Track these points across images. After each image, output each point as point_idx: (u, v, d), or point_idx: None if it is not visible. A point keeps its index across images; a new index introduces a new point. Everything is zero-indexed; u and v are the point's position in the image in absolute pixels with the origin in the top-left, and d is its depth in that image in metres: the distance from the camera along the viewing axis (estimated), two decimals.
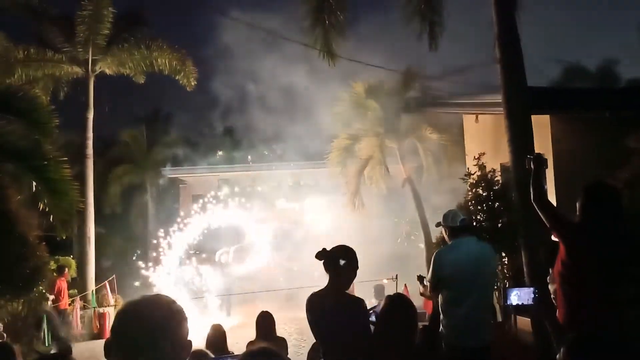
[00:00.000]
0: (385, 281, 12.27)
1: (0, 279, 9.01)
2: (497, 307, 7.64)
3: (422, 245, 12.52)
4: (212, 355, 3.71)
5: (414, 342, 3.22)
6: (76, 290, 12.77)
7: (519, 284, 7.33)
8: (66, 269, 12.69)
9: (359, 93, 13.71)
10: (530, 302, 3.24)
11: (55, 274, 11.71)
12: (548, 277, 4.06)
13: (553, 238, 5.40)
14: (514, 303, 3.20)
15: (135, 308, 1.83)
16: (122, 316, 1.81)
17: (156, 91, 23.28)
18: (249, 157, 23.00)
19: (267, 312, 6.14)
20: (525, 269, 6.90)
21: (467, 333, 4.53)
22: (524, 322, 7.18)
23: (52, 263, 11.68)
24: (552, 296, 3.62)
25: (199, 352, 3.70)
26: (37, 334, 10.86)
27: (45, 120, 10.66)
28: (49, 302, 11.03)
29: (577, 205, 3.52)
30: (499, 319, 7.84)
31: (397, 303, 3.39)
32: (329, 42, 9.16)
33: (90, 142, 14.16)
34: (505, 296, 3.33)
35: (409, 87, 13.56)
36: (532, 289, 3.23)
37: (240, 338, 10.95)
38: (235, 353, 5.79)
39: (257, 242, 17.02)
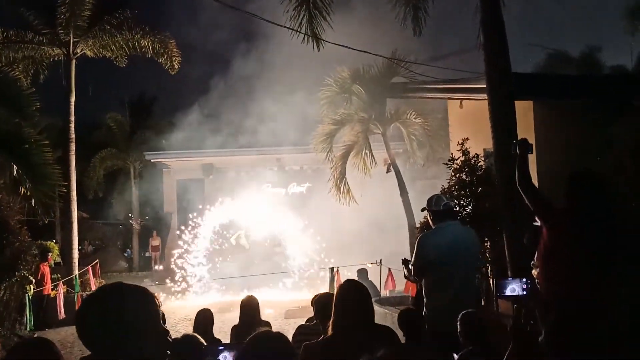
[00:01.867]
0: (369, 265, 12.37)
1: None
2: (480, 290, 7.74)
3: (407, 230, 12.60)
4: (203, 341, 3.71)
5: (370, 320, 3.27)
6: (59, 275, 12.68)
7: (500, 268, 7.42)
8: (49, 254, 12.60)
9: (344, 78, 13.67)
10: (523, 292, 3.29)
11: (37, 259, 11.61)
12: (532, 262, 4.12)
13: (535, 223, 5.48)
14: (509, 294, 3.25)
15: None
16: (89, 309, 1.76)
17: (140, 74, 22.99)
18: (234, 141, 22.90)
19: (251, 296, 6.16)
20: (507, 253, 6.98)
21: (450, 316, 4.60)
22: (505, 305, 7.29)
23: (34, 248, 11.57)
24: (535, 280, 3.70)
25: (189, 337, 3.69)
26: (20, 319, 10.80)
27: (26, 104, 10.51)
28: (32, 287, 10.95)
29: (563, 190, 3.57)
30: (482, 302, 7.95)
31: (344, 285, 3.43)
32: (314, 25, 9.10)
33: (72, 126, 13.97)
34: (500, 288, 3.37)
35: (394, 72, 13.55)
36: (524, 280, 3.28)
37: (224, 322, 11.01)
38: (217, 336, 5.83)
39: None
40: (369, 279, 11.61)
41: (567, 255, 3.46)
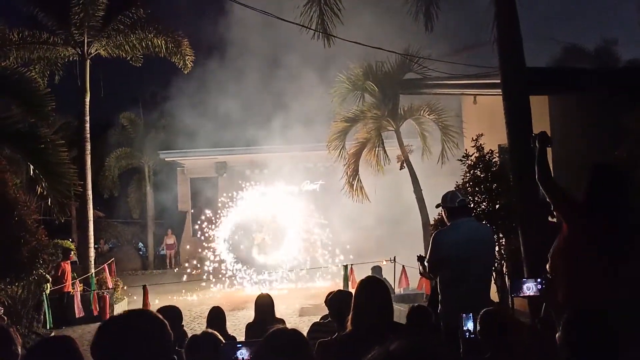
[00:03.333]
0: (384, 262, 12.34)
1: None
2: (495, 288, 7.68)
3: (421, 227, 12.54)
4: (221, 338, 3.72)
5: (390, 317, 3.25)
6: (75, 274, 12.81)
7: (515, 265, 7.36)
8: (71, 252, 12.76)
9: (357, 75, 13.63)
10: (537, 293, 3.27)
11: (53, 257, 11.75)
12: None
13: (550, 219, 5.42)
14: (524, 294, 3.23)
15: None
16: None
17: (154, 74, 23.12)
18: (248, 140, 22.96)
19: (266, 294, 6.18)
20: (522, 250, 6.93)
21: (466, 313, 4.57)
22: (520, 302, 7.23)
23: (51, 247, 11.71)
24: (549, 277, 3.66)
25: (208, 334, 3.68)
26: (37, 317, 10.92)
27: (42, 104, 10.61)
28: (49, 285, 11.07)
29: (585, 183, 3.53)
30: (496, 300, 7.89)
31: (365, 282, 3.41)
32: (325, 22, 9.08)
33: (87, 125, 14.08)
34: (515, 287, 3.35)
35: (407, 69, 13.49)
36: (538, 279, 3.26)
37: (238, 319, 11.05)
38: (231, 334, 5.85)
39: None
40: (383, 276, 11.59)
41: (585, 252, 3.42)
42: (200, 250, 16.81)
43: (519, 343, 3.34)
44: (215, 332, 3.81)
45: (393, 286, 11.50)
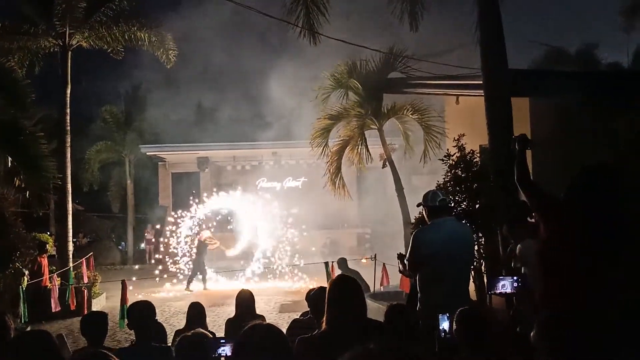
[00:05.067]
0: (363, 261, 12.40)
1: None
2: (473, 286, 7.76)
3: (402, 226, 12.62)
4: (210, 336, 3.70)
5: (363, 315, 3.28)
6: (54, 267, 12.65)
7: (494, 265, 7.45)
8: (47, 246, 12.56)
9: (341, 72, 13.66)
10: (512, 290, 3.29)
11: (32, 251, 11.58)
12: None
13: (530, 219, 5.48)
14: (499, 291, 3.26)
15: None
16: None
17: (136, 67, 22.89)
18: (229, 135, 22.87)
19: (247, 290, 6.17)
20: (501, 250, 7.02)
21: (445, 311, 4.61)
22: (498, 300, 7.32)
23: (29, 240, 11.53)
24: (526, 277, 3.70)
25: (199, 334, 3.63)
26: (13, 311, 10.76)
27: (22, 95, 10.47)
28: (26, 279, 10.91)
29: (570, 184, 3.45)
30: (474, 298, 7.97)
31: (337, 280, 3.45)
32: (311, 19, 9.10)
33: (68, 118, 13.88)
34: (491, 285, 3.38)
35: (391, 68, 13.55)
36: (514, 277, 3.29)
37: (218, 315, 11.02)
38: (211, 329, 5.84)
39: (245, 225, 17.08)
40: (350, 268, 11.70)
41: (563, 252, 3.35)
42: (176, 245, 16.63)
43: (495, 342, 3.37)
44: (206, 333, 3.80)
45: (373, 284, 11.56)
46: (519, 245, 5.20)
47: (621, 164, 7.35)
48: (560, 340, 2.64)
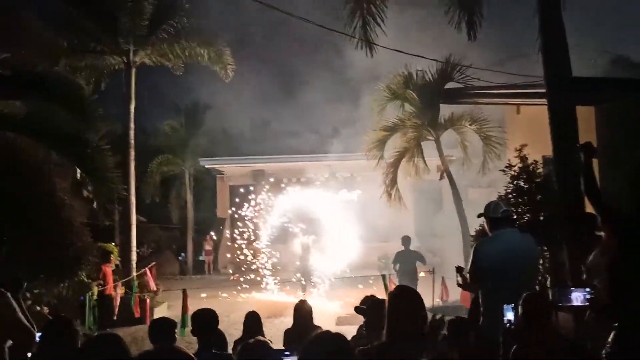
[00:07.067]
0: (422, 274, 12.19)
1: (46, 263, 9.28)
2: None
3: (460, 238, 12.36)
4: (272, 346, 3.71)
5: (423, 330, 3.23)
6: (117, 277, 13.06)
7: (560, 278, 7.17)
8: (111, 255, 12.98)
9: (397, 83, 13.60)
10: (585, 302, 3.18)
11: (98, 260, 12.00)
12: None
13: (598, 232, 5.26)
14: (571, 304, 3.17)
15: None
16: None
17: (195, 81, 23.55)
18: (285, 148, 23.10)
19: (304, 301, 6.18)
20: (567, 263, 6.75)
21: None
22: (564, 318, 7.04)
23: (95, 249, 11.95)
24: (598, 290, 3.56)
25: (262, 343, 3.63)
26: (80, 318, 11.17)
27: (89, 110, 10.91)
28: (96, 288, 11.30)
29: (632, 198, 3.39)
30: None
31: (396, 291, 3.39)
32: (367, 31, 9.10)
33: (132, 132, 14.41)
34: (562, 296, 3.28)
35: (448, 78, 13.37)
36: (587, 289, 3.18)
37: (275, 326, 11.07)
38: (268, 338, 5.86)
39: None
40: (412, 250, 11.55)
41: (630, 268, 3.28)
42: (237, 256, 16.85)
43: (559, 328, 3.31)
44: (266, 340, 3.82)
45: (432, 299, 11.35)
46: (589, 258, 5.00)
47: None
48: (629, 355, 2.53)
